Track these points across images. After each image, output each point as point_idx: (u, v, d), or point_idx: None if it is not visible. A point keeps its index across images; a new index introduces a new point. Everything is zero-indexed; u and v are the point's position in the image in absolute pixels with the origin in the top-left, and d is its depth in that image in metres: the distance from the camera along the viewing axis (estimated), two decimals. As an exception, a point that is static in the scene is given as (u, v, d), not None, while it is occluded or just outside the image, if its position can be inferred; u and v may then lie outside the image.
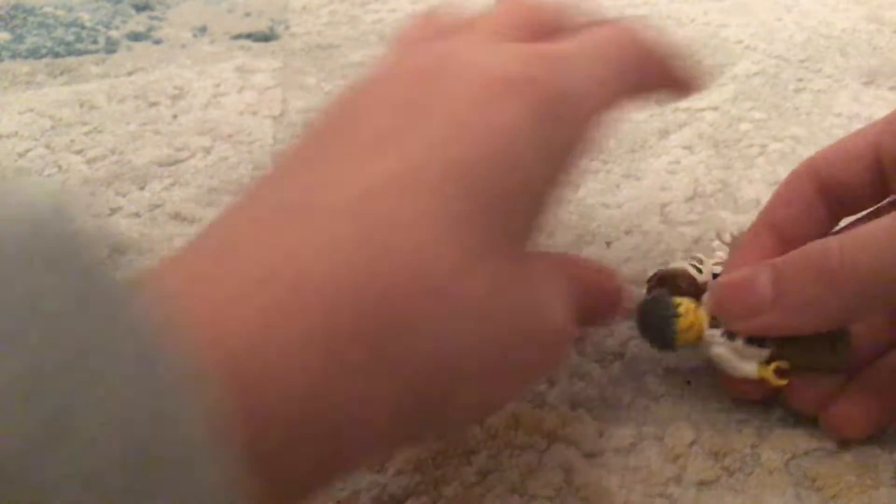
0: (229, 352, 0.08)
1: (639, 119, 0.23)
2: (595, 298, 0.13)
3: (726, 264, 0.15)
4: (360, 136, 0.10)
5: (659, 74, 0.13)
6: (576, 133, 0.11)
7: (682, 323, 0.14)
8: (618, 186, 0.21)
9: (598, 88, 0.12)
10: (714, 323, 0.14)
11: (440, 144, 0.10)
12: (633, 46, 0.12)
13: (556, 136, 0.11)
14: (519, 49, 0.11)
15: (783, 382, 0.14)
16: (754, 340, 0.14)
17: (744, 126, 0.23)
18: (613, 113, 0.12)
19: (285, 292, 0.08)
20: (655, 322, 0.14)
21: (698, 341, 0.14)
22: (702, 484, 0.14)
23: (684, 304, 0.14)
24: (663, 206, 0.20)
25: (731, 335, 0.14)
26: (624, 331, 0.17)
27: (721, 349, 0.14)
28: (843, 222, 0.15)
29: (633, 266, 0.18)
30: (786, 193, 0.15)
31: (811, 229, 0.15)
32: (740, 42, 0.27)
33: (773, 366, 0.14)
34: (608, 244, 0.19)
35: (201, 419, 0.07)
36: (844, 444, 0.14)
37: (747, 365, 0.14)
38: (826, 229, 0.15)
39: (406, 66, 0.11)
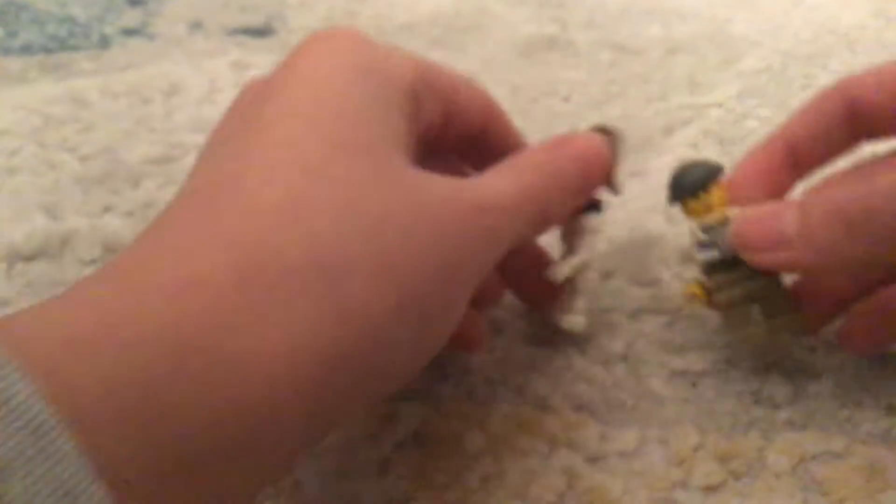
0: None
1: (643, 116, 0.23)
2: None
3: (733, 176, 0.15)
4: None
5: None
6: (392, 74, 0.12)
7: (706, 197, 0.14)
8: (622, 185, 0.21)
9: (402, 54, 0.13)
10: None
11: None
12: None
13: (375, 75, 0.12)
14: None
15: (689, 293, 0.15)
16: (726, 266, 0.14)
17: (750, 123, 0.22)
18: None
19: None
20: (691, 176, 0.14)
21: (699, 220, 0.14)
22: (707, 488, 0.14)
23: (720, 188, 0.14)
24: (668, 205, 0.20)
25: (712, 245, 0.14)
26: (628, 332, 0.17)
27: (695, 239, 0.14)
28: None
29: (636, 265, 0.18)
30: (811, 113, 0.15)
31: (827, 150, 0.15)
32: (746, 37, 0.26)
33: (700, 282, 0.15)
34: (611, 242, 0.19)
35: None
36: (851, 447, 0.14)
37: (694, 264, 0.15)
38: (843, 150, 0.15)
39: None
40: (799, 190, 0.15)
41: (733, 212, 0.14)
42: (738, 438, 0.14)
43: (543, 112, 0.17)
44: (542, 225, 0.13)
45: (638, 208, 0.20)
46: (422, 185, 0.11)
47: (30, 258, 0.19)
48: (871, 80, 0.14)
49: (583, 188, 0.14)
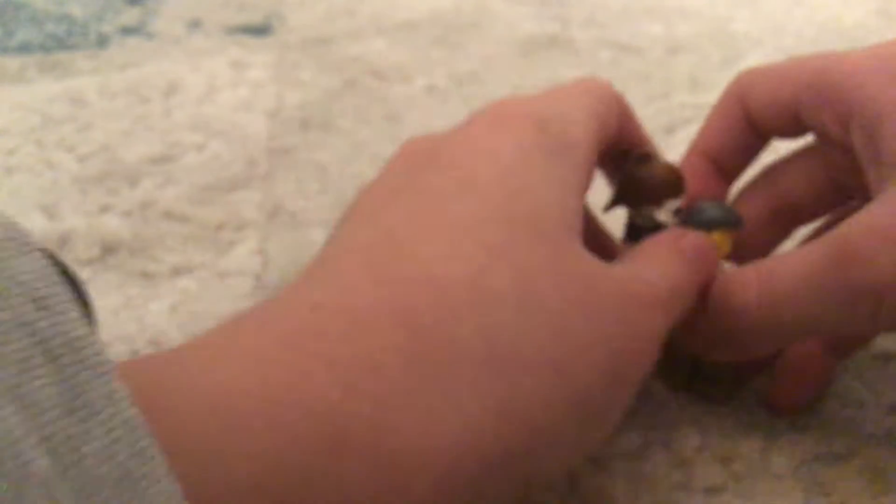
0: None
1: (644, 115, 0.23)
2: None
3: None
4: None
5: None
6: (574, 153, 0.12)
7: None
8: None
9: (584, 118, 0.13)
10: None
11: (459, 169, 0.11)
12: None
13: (558, 156, 0.12)
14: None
15: None
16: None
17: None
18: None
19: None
20: (698, 216, 0.14)
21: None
22: (709, 490, 0.14)
23: (724, 239, 0.14)
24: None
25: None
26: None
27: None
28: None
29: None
30: (716, 121, 0.15)
31: (742, 156, 0.15)
32: (747, 36, 0.26)
33: None
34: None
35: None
36: (854, 448, 0.14)
37: None
38: (756, 152, 0.15)
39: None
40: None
41: (721, 263, 0.14)
42: (740, 440, 0.14)
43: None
44: (680, 320, 0.12)
45: (639, 208, 0.19)
46: (595, 275, 0.11)
47: (27, 258, 0.19)
48: (763, 97, 0.14)
49: (697, 289, 0.13)
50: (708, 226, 0.14)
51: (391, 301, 0.10)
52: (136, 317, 0.17)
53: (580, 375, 0.10)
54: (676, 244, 0.13)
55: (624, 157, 0.15)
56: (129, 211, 0.20)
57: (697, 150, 0.15)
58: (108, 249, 0.19)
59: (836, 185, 0.15)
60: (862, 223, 0.12)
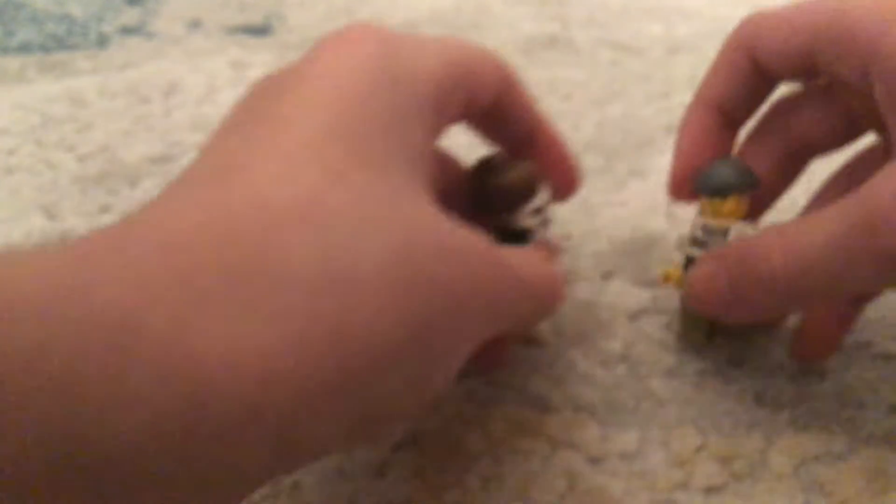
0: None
1: (644, 115, 0.23)
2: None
3: (676, 151, 0.15)
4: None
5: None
6: (418, 84, 0.11)
7: (721, 203, 0.14)
8: (623, 184, 0.21)
9: (436, 56, 0.12)
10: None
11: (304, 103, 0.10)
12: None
13: (401, 84, 0.11)
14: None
15: (664, 274, 0.15)
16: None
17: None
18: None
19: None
20: (718, 178, 0.14)
21: (705, 218, 0.15)
22: (709, 490, 0.14)
23: (740, 201, 0.14)
24: (669, 204, 0.20)
25: (703, 246, 0.15)
26: (629, 333, 0.16)
27: None
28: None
29: (636, 265, 0.18)
30: (722, 70, 0.15)
31: (750, 103, 0.15)
32: (746, 35, 0.26)
33: (677, 271, 0.15)
34: (611, 242, 0.18)
35: None
36: (854, 448, 0.14)
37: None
38: (764, 98, 0.15)
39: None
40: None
41: (737, 226, 0.14)
42: (740, 439, 0.14)
43: (544, 111, 0.17)
44: (525, 322, 0.13)
45: (638, 208, 0.19)
46: (440, 221, 0.10)
47: (27, 258, 0.19)
48: (771, 45, 0.14)
49: (542, 310, 0.13)
50: (723, 191, 0.14)
51: (212, 224, 0.09)
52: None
53: (421, 302, 0.09)
54: (536, 256, 0.13)
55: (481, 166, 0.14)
56: (129, 211, 0.20)
57: (702, 101, 0.15)
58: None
59: (850, 121, 0.14)
60: (887, 187, 0.11)
